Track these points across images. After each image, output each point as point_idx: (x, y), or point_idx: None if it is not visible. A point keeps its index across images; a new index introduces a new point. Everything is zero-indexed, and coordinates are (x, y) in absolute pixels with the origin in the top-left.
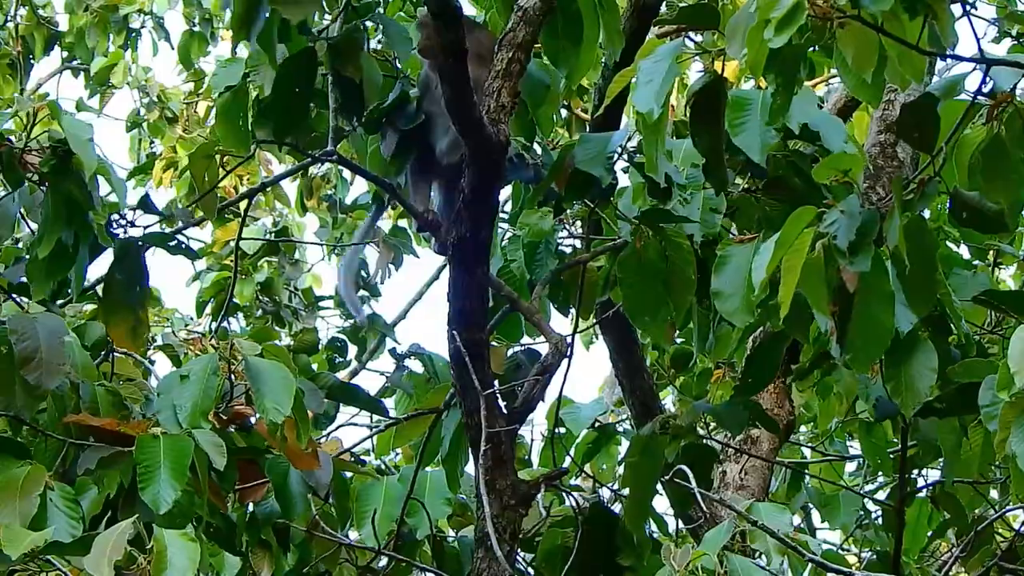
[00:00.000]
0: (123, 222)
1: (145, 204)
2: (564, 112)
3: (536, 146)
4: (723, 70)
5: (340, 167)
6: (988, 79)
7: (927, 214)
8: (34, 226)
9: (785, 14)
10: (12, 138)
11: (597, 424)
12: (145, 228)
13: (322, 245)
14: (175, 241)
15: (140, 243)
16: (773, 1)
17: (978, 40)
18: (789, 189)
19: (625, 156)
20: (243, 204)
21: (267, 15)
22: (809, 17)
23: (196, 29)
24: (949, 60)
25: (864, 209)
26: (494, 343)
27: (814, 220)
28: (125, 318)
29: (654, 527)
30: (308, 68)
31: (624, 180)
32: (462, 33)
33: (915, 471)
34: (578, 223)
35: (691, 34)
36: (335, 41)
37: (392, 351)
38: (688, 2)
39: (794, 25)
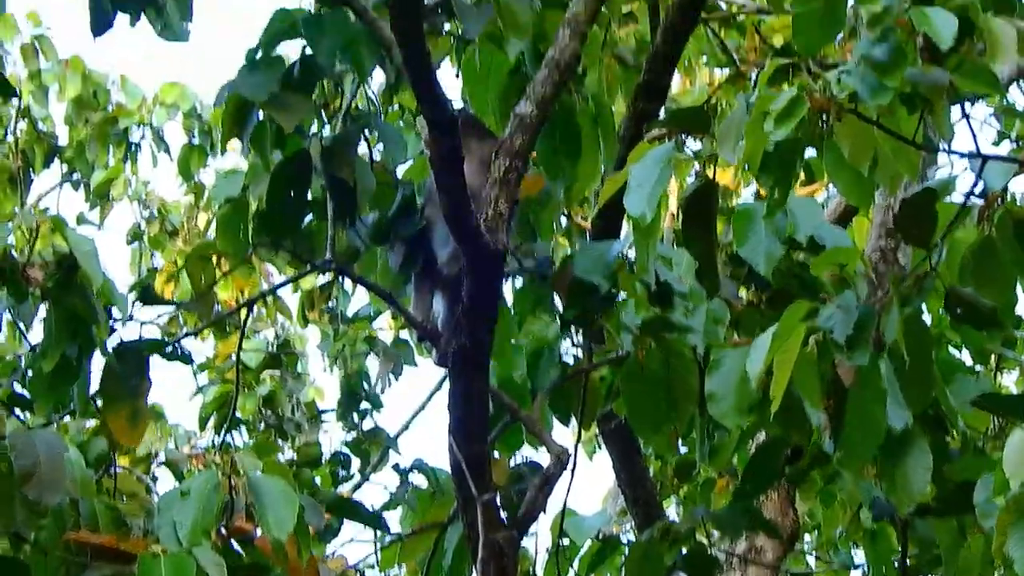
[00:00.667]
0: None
1: (146, 296)
2: (564, 219)
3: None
4: (715, 175)
5: (341, 277)
6: (981, 179)
7: (928, 319)
8: (35, 340)
9: (785, 107)
10: (14, 252)
11: (601, 535)
12: (142, 324)
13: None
14: (171, 347)
15: (138, 348)
16: (770, 96)
17: (974, 136)
18: (793, 300)
19: (627, 265)
20: (243, 315)
21: (259, 118)
22: (808, 111)
23: (196, 142)
24: (946, 158)
25: (860, 304)
26: (496, 454)
27: (809, 315)
28: (123, 409)
29: None
30: (302, 171)
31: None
32: (458, 142)
33: None
34: (580, 332)
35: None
36: (328, 143)
37: (395, 466)
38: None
39: (795, 118)
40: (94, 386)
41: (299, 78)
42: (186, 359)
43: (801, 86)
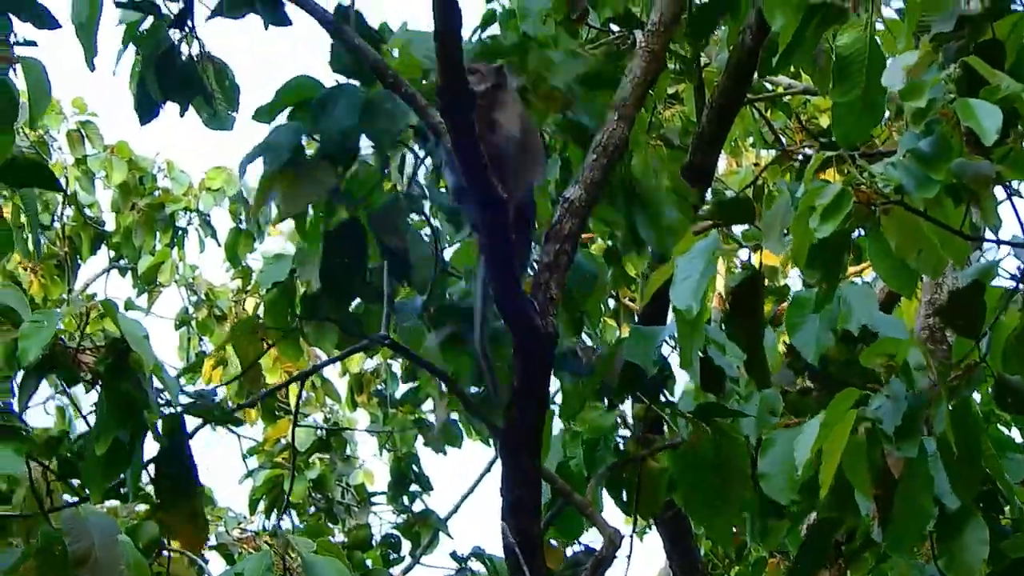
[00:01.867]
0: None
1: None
2: (612, 302)
3: (585, 336)
4: (761, 265)
5: (390, 360)
6: None
7: (977, 397)
8: (84, 426)
9: (831, 202)
10: (65, 338)
11: None
12: (193, 403)
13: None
14: (219, 410)
15: (184, 411)
16: (816, 190)
17: (1020, 220)
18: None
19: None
20: (293, 397)
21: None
22: (854, 204)
23: (243, 226)
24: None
25: (910, 394)
26: (552, 542)
27: (859, 403)
28: (182, 510)
29: None
30: (354, 239)
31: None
32: (508, 225)
33: None
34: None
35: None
36: (377, 212)
37: (453, 554)
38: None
39: (840, 213)
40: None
41: (325, 148)
42: (235, 421)
43: (847, 181)
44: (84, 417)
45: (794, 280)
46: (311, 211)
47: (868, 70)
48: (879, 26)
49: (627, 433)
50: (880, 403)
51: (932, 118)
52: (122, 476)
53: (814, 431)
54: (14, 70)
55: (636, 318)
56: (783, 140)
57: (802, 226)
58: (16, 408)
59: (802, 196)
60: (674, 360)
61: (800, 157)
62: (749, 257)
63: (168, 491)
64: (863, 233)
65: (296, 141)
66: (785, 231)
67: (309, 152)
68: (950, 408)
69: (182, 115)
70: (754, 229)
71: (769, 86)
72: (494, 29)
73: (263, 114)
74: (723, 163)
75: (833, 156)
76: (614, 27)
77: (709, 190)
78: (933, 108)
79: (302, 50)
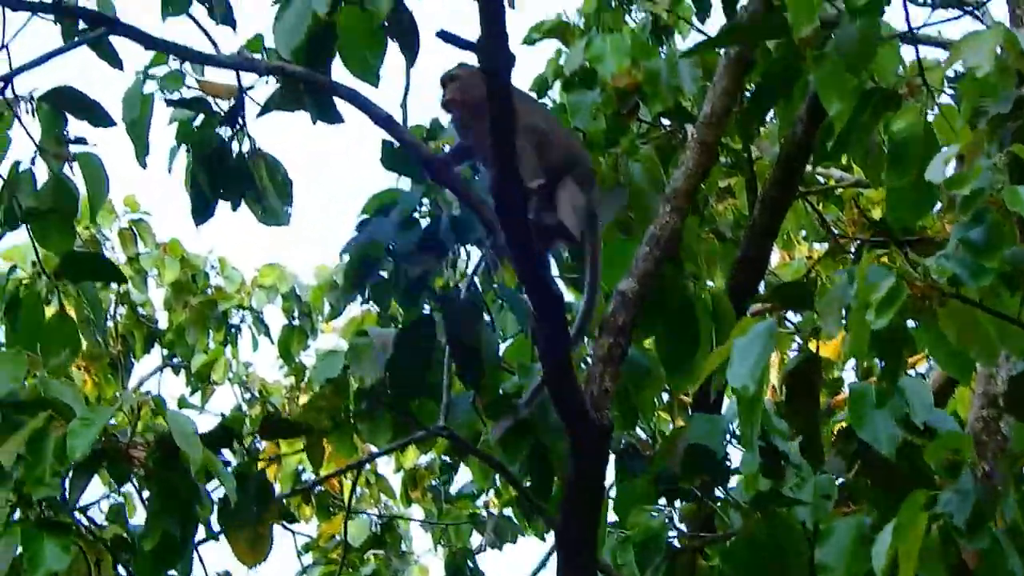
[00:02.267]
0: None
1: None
2: (665, 396)
3: (639, 430)
4: (818, 349)
5: (444, 455)
6: None
7: None
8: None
9: (886, 295)
10: (117, 434)
11: None
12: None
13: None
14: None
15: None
16: (873, 284)
17: None
18: (901, 477)
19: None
20: (347, 493)
21: (382, 274)
22: (909, 296)
23: (296, 323)
24: None
25: (977, 486)
26: None
27: (928, 503)
28: (245, 532)
29: None
30: (427, 334)
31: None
32: (563, 322)
33: None
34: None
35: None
36: (453, 308)
37: None
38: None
39: (895, 306)
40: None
41: (430, 238)
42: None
43: (900, 273)
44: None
45: (849, 374)
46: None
47: (923, 156)
48: (933, 112)
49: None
50: (948, 498)
51: (981, 207)
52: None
53: (887, 537)
54: (70, 167)
55: (690, 411)
56: (835, 232)
57: (859, 319)
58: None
59: (857, 289)
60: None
61: (853, 249)
62: (805, 343)
63: (235, 518)
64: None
65: (388, 240)
66: (842, 315)
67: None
68: (1017, 496)
69: (235, 210)
70: (809, 321)
71: (821, 179)
72: None
73: (362, 223)
74: (776, 256)
75: (885, 243)
76: (665, 121)
77: (761, 283)
78: (981, 197)
79: (354, 142)
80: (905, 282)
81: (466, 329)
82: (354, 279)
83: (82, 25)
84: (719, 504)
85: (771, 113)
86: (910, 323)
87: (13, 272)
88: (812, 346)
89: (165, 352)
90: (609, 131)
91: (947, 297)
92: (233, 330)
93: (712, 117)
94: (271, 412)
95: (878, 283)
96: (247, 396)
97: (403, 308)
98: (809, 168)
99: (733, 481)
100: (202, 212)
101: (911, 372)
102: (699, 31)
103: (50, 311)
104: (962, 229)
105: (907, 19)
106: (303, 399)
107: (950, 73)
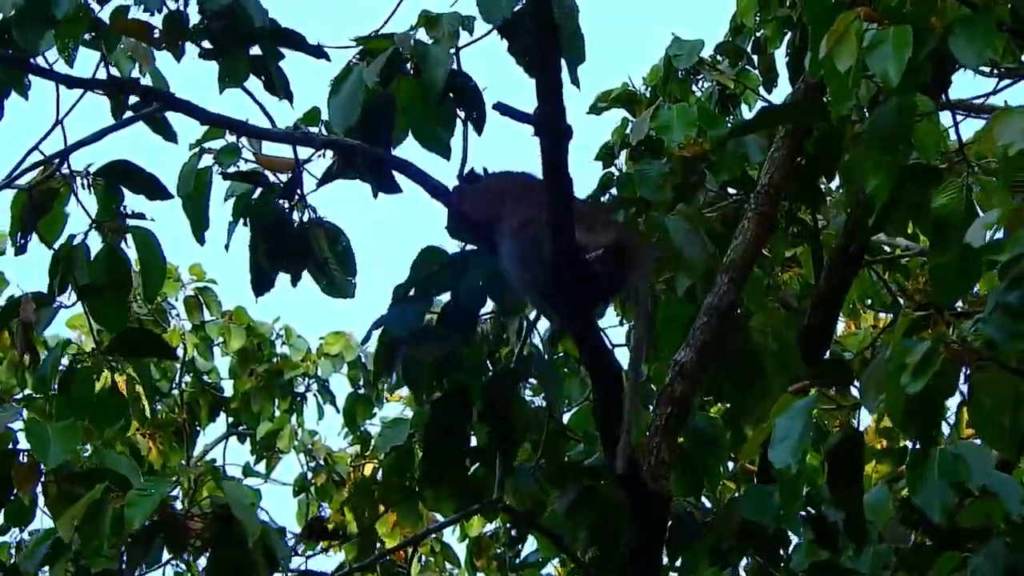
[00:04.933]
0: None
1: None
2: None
3: (705, 499)
4: (859, 425)
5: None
6: None
7: None
8: None
9: (921, 359)
10: (176, 504)
11: None
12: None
13: None
14: None
15: None
16: (907, 348)
17: None
18: (960, 546)
19: None
20: (413, 565)
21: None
22: (944, 360)
23: (361, 392)
24: None
25: (1010, 552)
26: None
27: (958, 566)
28: None
29: None
30: (461, 408)
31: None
32: (620, 393)
33: None
34: None
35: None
36: (487, 381)
37: None
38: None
39: (931, 370)
40: None
41: (451, 314)
42: None
43: (937, 338)
44: None
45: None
46: None
47: (964, 231)
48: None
49: None
50: (979, 563)
51: (1020, 272)
52: None
53: None
54: (126, 242)
55: (755, 480)
56: (901, 302)
57: (894, 384)
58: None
59: (893, 355)
60: None
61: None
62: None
63: None
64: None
65: (422, 311)
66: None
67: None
68: None
69: (294, 284)
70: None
71: (887, 247)
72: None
73: (401, 292)
74: (841, 325)
75: (928, 314)
76: (731, 190)
77: (827, 352)
78: (1019, 264)
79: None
80: (942, 345)
81: (499, 401)
82: (383, 363)
83: (134, 99)
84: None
85: (836, 182)
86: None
87: (68, 344)
88: (855, 420)
89: (230, 420)
90: (675, 200)
91: (983, 361)
92: (298, 398)
93: (770, 187)
94: (316, 516)
95: (914, 347)
96: (312, 464)
97: (432, 389)
98: (876, 237)
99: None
100: (262, 285)
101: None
102: (765, 101)
103: (103, 385)
104: (1000, 294)
105: (946, 92)
106: (369, 468)
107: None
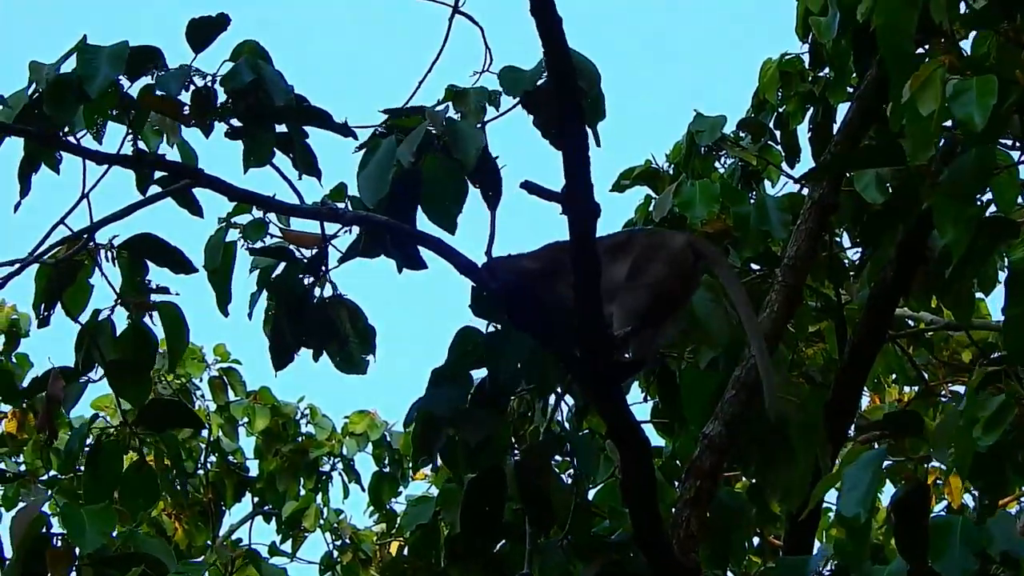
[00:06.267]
0: None
1: None
2: (756, 539)
3: (730, 574)
4: (926, 478)
5: None
6: None
7: None
8: None
9: (994, 413)
10: None
11: None
12: None
13: None
14: None
15: None
16: (981, 402)
17: None
18: None
19: None
20: None
21: (449, 435)
22: (1016, 415)
23: (387, 470)
24: None
25: None
26: None
27: None
28: None
29: None
30: (496, 488)
31: None
32: (649, 463)
33: None
34: None
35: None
36: (522, 457)
37: None
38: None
39: (1003, 424)
40: None
41: (489, 394)
42: None
43: (1011, 393)
44: None
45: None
46: None
47: None
48: None
49: None
50: None
51: None
52: None
53: None
54: (151, 316)
55: (780, 554)
56: (925, 376)
57: (965, 437)
58: None
59: (965, 409)
60: None
61: (944, 393)
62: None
63: None
64: None
65: (464, 392)
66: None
67: None
68: None
69: (316, 360)
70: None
71: (911, 322)
72: None
73: (443, 376)
74: (866, 399)
75: (998, 371)
76: (754, 266)
77: (852, 427)
78: None
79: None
80: (1015, 401)
81: (535, 476)
82: (421, 446)
83: (158, 173)
84: None
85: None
86: None
87: (96, 420)
88: (922, 472)
89: (256, 500)
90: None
91: None
92: (324, 477)
93: (796, 260)
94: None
95: (987, 401)
96: (338, 543)
97: (469, 468)
98: (899, 311)
99: None
100: (282, 358)
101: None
102: (788, 176)
103: (129, 460)
104: None
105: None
106: (394, 546)
107: None
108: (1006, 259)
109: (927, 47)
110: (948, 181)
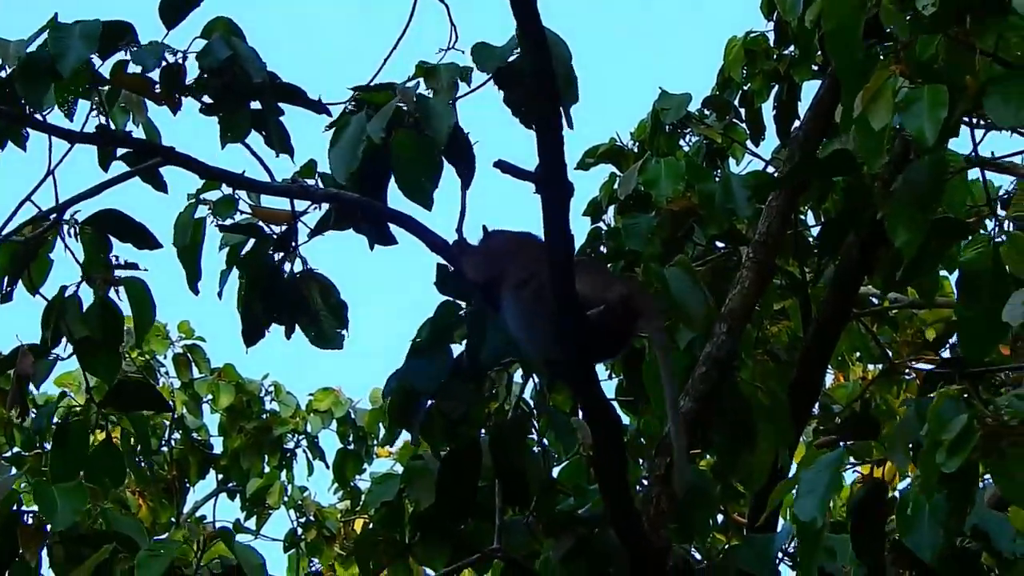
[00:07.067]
0: None
1: None
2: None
3: (694, 551)
4: (883, 478)
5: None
6: None
7: None
8: None
9: (957, 436)
10: (182, 565)
11: None
12: None
13: None
14: None
15: None
16: (944, 423)
17: None
18: None
19: (787, 559)
20: None
21: (428, 407)
22: (980, 436)
23: (351, 448)
24: None
25: None
26: None
27: None
28: None
29: None
30: (472, 461)
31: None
32: (623, 450)
33: None
34: None
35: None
36: (497, 432)
37: None
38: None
39: (967, 448)
40: None
41: (468, 368)
42: None
43: (972, 414)
44: None
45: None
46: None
47: (993, 286)
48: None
49: None
50: None
51: None
52: None
53: None
54: (117, 293)
55: (744, 532)
56: (890, 354)
57: (929, 460)
58: None
59: (928, 429)
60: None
61: (908, 372)
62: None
63: None
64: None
65: (445, 364)
66: (910, 448)
67: None
68: None
69: (288, 337)
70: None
71: (875, 300)
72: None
73: (423, 348)
74: (830, 377)
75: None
76: (719, 244)
77: (816, 405)
78: None
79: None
80: (976, 423)
81: (511, 453)
82: (399, 418)
83: (121, 150)
84: None
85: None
86: None
87: (64, 398)
88: (878, 473)
89: (220, 477)
90: (664, 255)
91: (1019, 437)
92: (288, 454)
93: (767, 237)
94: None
95: (949, 422)
96: (302, 520)
97: (447, 443)
98: (863, 289)
99: None
100: (253, 335)
101: None
102: (753, 154)
103: (96, 439)
104: None
105: (974, 145)
106: (359, 523)
107: None
108: None
109: (880, 54)
110: (902, 189)
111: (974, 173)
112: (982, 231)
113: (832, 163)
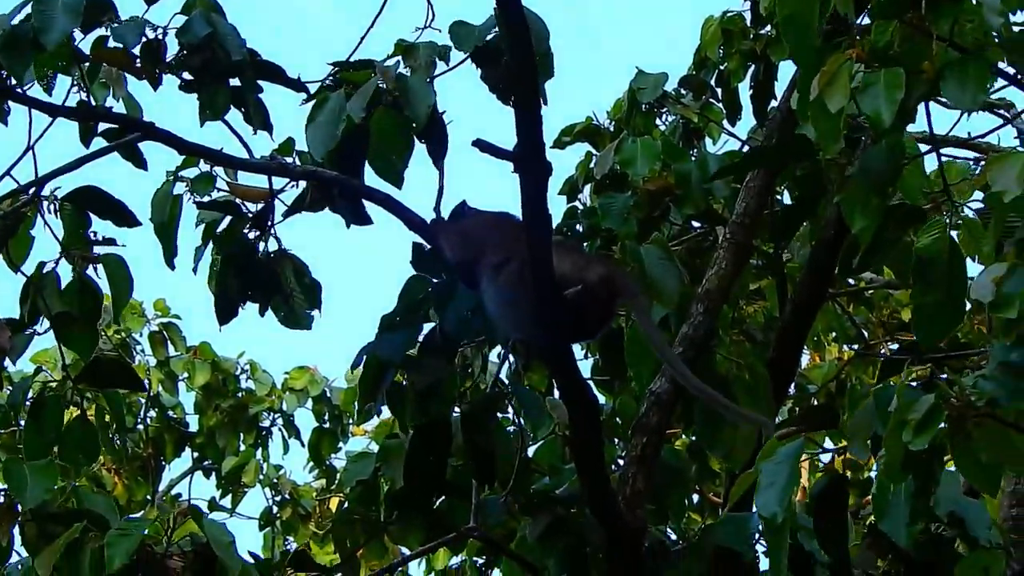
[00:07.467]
0: None
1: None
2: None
3: (669, 531)
4: (844, 469)
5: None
6: None
7: None
8: None
9: (924, 416)
10: (153, 544)
11: None
12: None
13: None
14: None
15: None
16: (910, 403)
17: None
18: (927, 569)
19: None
20: None
21: (398, 382)
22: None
23: (326, 426)
24: None
25: None
26: None
27: None
28: None
29: None
30: (442, 437)
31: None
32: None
33: None
34: None
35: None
36: (467, 409)
37: None
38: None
39: (934, 427)
40: None
41: (438, 342)
42: None
43: (939, 394)
44: None
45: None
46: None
47: (949, 272)
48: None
49: None
50: None
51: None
52: None
53: None
54: (95, 269)
55: (720, 512)
56: (865, 335)
57: (895, 439)
58: None
59: (895, 408)
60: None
61: (883, 352)
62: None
63: None
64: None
65: (412, 338)
66: (870, 437)
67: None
68: None
69: (262, 314)
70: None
71: (851, 280)
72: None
73: (393, 322)
74: (806, 358)
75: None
76: (695, 223)
77: (792, 385)
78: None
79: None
80: (943, 403)
81: (480, 430)
82: (368, 390)
83: (103, 126)
84: None
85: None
86: None
87: (39, 373)
88: (838, 463)
89: (195, 455)
90: (640, 234)
91: (984, 418)
92: (264, 433)
93: (745, 217)
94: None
95: (915, 402)
96: (277, 498)
97: (416, 416)
98: (838, 276)
99: None
100: (226, 313)
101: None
102: (730, 134)
103: (71, 415)
104: (1002, 352)
105: (930, 128)
106: (334, 502)
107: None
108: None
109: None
110: (859, 174)
111: (931, 161)
112: (938, 216)
113: (790, 149)
